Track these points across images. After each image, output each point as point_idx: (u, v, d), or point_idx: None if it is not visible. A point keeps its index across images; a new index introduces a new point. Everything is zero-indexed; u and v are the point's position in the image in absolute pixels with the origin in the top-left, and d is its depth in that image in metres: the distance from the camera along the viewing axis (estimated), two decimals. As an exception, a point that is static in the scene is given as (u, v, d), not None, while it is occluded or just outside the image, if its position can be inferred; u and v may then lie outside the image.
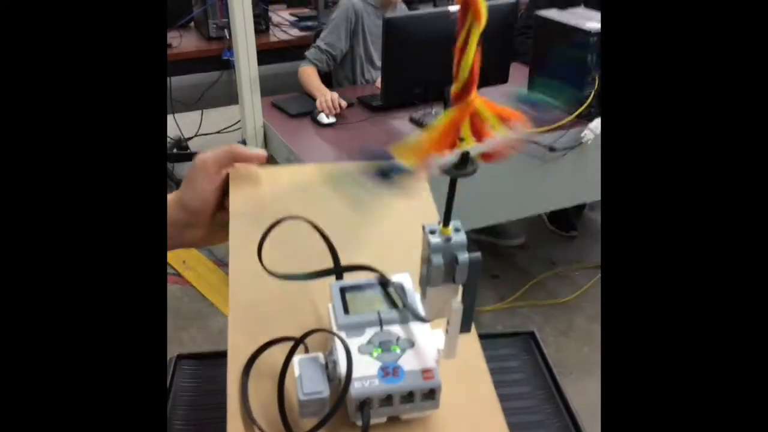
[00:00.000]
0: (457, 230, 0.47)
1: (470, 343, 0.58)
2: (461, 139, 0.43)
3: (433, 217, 0.67)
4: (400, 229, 0.65)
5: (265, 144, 2.28)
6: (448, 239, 0.46)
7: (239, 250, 0.63)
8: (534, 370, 0.80)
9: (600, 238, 2.95)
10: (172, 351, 0.85)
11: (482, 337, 0.85)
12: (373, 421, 0.51)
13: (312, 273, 0.59)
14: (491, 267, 2.75)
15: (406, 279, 0.56)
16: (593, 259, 2.79)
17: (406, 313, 0.54)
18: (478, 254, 0.46)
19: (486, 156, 0.45)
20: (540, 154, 2.06)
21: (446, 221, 0.47)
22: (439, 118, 0.43)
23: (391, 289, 0.56)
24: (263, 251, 0.57)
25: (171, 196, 0.70)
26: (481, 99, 0.42)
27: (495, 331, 0.87)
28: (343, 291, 0.56)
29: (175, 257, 2.72)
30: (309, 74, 2.51)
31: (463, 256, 0.46)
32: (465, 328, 0.49)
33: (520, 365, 0.81)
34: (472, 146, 0.43)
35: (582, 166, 2.16)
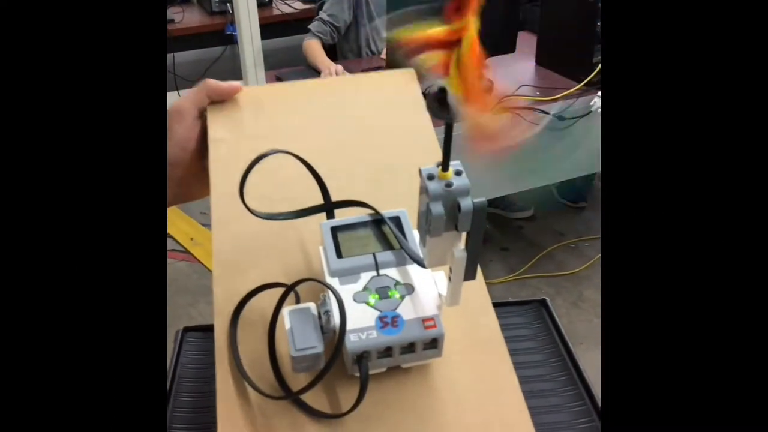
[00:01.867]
0: (457, 173, 0.42)
1: (474, 287, 0.51)
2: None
3: (435, 148, 0.60)
4: (396, 156, 0.60)
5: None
6: (448, 184, 0.42)
7: (220, 187, 0.58)
8: (546, 339, 0.79)
9: (609, 209, 2.94)
10: (181, 326, 0.84)
11: (493, 306, 0.84)
12: (373, 371, 0.47)
13: (299, 211, 0.54)
14: (500, 239, 2.73)
15: (404, 216, 0.52)
16: (603, 230, 2.77)
17: (404, 256, 0.49)
18: (483, 200, 0.41)
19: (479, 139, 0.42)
20: (549, 123, 2.03)
21: (445, 165, 0.42)
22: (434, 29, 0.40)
23: (386, 228, 0.51)
24: (247, 189, 0.51)
25: None
26: (474, 32, 0.40)
27: (506, 299, 0.85)
28: (335, 231, 0.51)
29: (182, 234, 2.71)
30: (313, 48, 2.48)
31: (467, 203, 0.41)
32: (470, 275, 0.44)
33: (531, 333, 0.80)
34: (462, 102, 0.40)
35: (591, 135, 2.13)
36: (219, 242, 0.55)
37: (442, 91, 0.40)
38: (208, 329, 0.83)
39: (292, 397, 0.47)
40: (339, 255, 0.50)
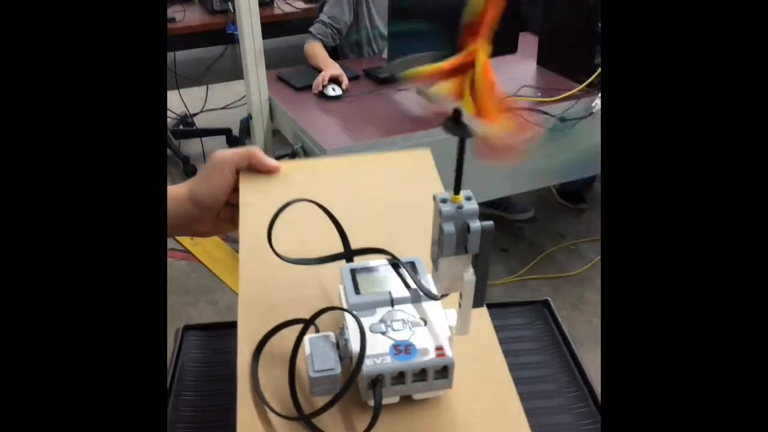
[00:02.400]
0: (468, 199, 0.46)
1: (482, 321, 0.57)
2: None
3: None
4: (410, 215, 0.64)
5: (271, 117, 2.25)
6: (459, 207, 0.45)
7: (249, 238, 0.63)
8: (548, 339, 0.78)
9: (610, 211, 2.93)
10: (181, 325, 0.83)
11: (495, 306, 0.84)
12: (386, 401, 0.50)
13: (323, 257, 0.59)
14: (500, 241, 2.73)
15: (419, 261, 0.56)
16: (603, 232, 2.77)
17: (418, 293, 0.53)
18: (490, 223, 0.45)
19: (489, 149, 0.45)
20: (550, 124, 2.03)
21: (457, 189, 0.46)
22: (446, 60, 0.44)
23: (402, 270, 0.55)
24: (274, 241, 0.57)
25: (183, 190, 0.71)
26: (485, 56, 0.43)
27: (507, 300, 0.85)
28: (353, 272, 0.56)
29: (182, 233, 2.71)
30: (315, 50, 2.48)
31: (475, 224, 0.45)
32: (478, 302, 0.48)
33: (533, 334, 0.80)
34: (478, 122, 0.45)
35: (592, 136, 2.12)
36: (245, 291, 0.59)
37: (457, 112, 0.43)
38: (209, 328, 0.83)
39: (305, 419, 0.49)
40: (357, 291, 0.53)
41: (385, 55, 2.55)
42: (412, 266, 0.55)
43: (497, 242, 2.71)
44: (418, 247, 0.54)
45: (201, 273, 2.53)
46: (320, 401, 0.49)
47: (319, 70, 2.31)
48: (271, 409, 0.50)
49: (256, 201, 0.67)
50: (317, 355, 0.49)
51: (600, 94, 2.03)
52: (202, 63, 3.33)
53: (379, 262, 0.57)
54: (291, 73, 2.41)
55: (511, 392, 0.53)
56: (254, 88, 2.20)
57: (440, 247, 0.46)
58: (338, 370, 0.48)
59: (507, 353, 0.56)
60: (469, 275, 0.47)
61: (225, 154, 0.70)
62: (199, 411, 0.70)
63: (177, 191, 0.70)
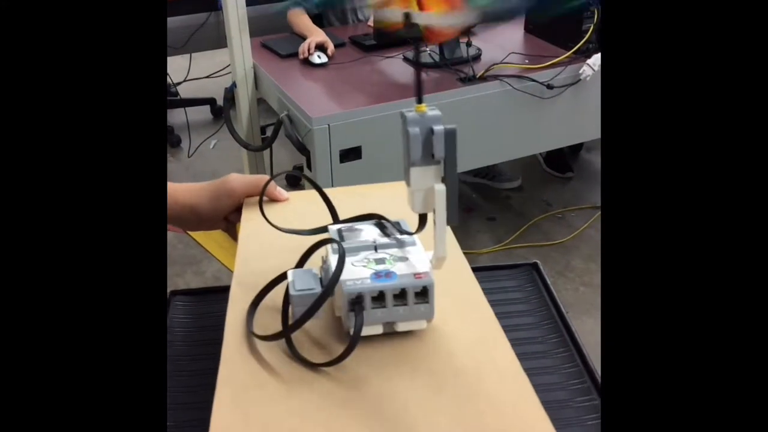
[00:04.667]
0: (431, 108, 0.49)
1: (465, 273, 0.60)
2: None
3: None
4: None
5: (256, 86, 2.22)
6: (422, 115, 0.48)
7: (247, 242, 0.66)
8: (538, 301, 0.78)
9: (596, 180, 2.93)
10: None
11: (485, 269, 0.83)
12: (369, 331, 0.51)
13: (315, 228, 0.62)
14: (487, 210, 2.73)
15: (404, 222, 0.58)
16: (589, 201, 2.77)
17: (402, 242, 0.56)
18: (453, 126, 0.48)
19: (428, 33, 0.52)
20: (537, 91, 2.01)
21: (419, 99, 0.49)
22: None
23: (384, 222, 0.59)
24: (270, 241, 0.62)
25: (187, 198, 0.72)
26: None
27: (497, 264, 0.85)
28: (340, 231, 0.58)
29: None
30: (298, 17, 2.44)
31: (439, 127, 0.48)
32: (451, 217, 0.50)
33: (523, 297, 0.79)
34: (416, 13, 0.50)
35: (580, 103, 2.12)
36: (239, 275, 0.61)
37: (407, 15, 0.49)
38: (197, 293, 0.82)
39: (284, 334, 0.52)
40: (342, 240, 0.56)
41: (371, 22, 2.52)
42: (398, 224, 0.58)
43: (484, 211, 2.72)
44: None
45: (187, 244, 2.51)
46: (313, 349, 0.51)
47: (303, 38, 2.28)
48: (253, 333, 0.52)
49: (253, 219, 0.69)
50: (299, 279, 0.52)
51: (587, 61, 2.01)
52: (186, 30, 3.27)
53: (366, 224, 0.60)
54: (276, 40, 2.38)
55: (497, 328, 0.54)
56: (238, 55, 2.16)
57: (408, 154, 0.48)
58: (318, 289, 0.51)
59: (497, 316, 0.56)
60: (440, 185, 0.49)
61: (239, 182, 0.72)
62: (189, 375, 0.70)
63: (181, 196, 0.72)
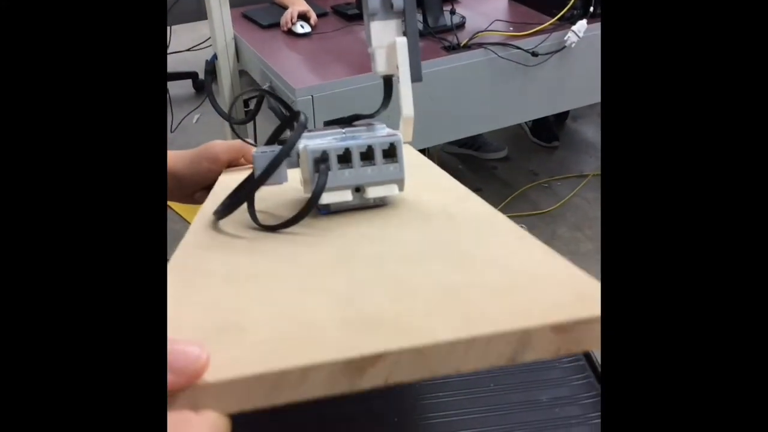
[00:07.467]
0: None
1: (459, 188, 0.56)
2: None
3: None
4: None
5: (237, 58, 2.19)
6: None
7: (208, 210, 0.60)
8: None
9: (582, 149, 2.93)
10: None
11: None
12: (337, 197, 0.48)
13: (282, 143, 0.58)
14: (474, 180, 2.72)
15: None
16: (575, 170, 2.78)
17: (372, 132, 0.52)
18: None
19: None
20: (522, 59, 2.00)
21: None
22: None
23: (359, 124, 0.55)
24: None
25: (168, 163, 0.69)
26: None
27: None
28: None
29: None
30: (279, -16, 2.40)
31: None
32: (415, 75, 0.48)
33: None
34: None
35: (566, 71, 2.10)
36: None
37: None
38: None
39: (246, 198, 0.49)
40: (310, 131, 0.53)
41: (353, -9, 2.48)
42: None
43: (470, 181, 2.71)
44: None
45: (171, 218, 2.50)
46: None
47: (284, 8, 2.24)
48: (220, 208, 0.50)
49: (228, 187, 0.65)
50: (261, 151, 0.49)
51: (572, 28, 2.00)
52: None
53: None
54: (256, 11, 2.34)
55: (476, 198, 0.52)
56: (218, 26, 2.12)
57: (367, 5, 0.48)
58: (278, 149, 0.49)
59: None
60: (401, 38, 0.48)
61: (221, 147, 0.70)
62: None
63: None
